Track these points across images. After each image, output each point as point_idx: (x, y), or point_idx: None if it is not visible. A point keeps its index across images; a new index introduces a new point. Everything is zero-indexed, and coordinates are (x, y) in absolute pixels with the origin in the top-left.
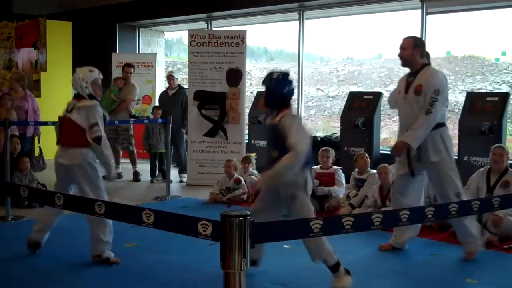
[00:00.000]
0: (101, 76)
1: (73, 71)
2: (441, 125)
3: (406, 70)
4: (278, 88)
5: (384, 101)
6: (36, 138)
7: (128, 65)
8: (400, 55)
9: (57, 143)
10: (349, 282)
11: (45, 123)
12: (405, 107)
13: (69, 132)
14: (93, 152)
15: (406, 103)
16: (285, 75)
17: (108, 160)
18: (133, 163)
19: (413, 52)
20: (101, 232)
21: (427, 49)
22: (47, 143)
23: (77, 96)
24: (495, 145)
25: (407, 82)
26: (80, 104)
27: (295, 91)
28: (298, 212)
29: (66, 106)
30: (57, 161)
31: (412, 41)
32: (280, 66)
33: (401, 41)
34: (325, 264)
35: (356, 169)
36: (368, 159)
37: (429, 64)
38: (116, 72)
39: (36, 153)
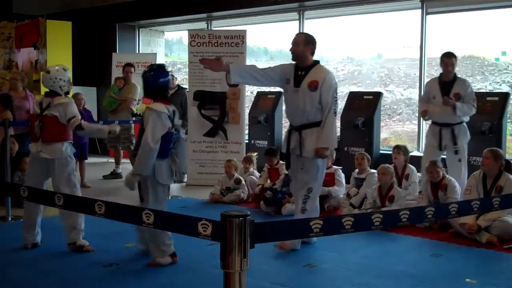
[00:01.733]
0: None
1: (47, 71)
2: (319, 123)
3: (406, 69)
4: (152, 79)
5: (384, 101)
6: None
7: (129, 64)
8: (291, 50)
9: (35, 139)
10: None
11: None
12: (296, 100)
13: (50, 128)
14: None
15: (297, 96)
16: (160, 67)
17: (96, 128)
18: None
19: (304, 48)
20: (75, 220)
21: (427, 48)
22: None
23: (50, 94)
24: (487, 148)
25: (297, 76)
26: (57, 101)
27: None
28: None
29: (39, 104)
30: (36, 155)
31: (304, 37)
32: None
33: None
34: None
35: (357, 169)
36: (366, 159)
37: (318, 61)
38: (116, 72)
39: None
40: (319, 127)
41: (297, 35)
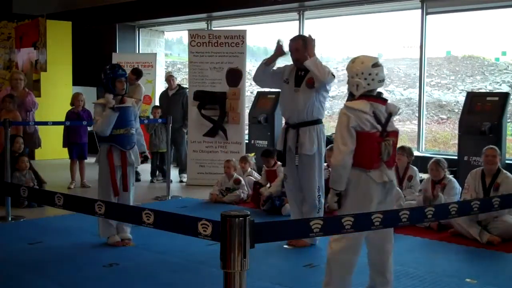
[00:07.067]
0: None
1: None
2: (319, 121)
3: (406, 69)
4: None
5: None
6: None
7: (134, 72)
8: (296, 57)
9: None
10: None
11: (45, 123)
12: (296, 99)
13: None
14: None
15: (297, 95)
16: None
17: None
18: None
19: (305, 51)
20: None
21: (427, 48)
22: (47, 143)
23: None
24: (487, 147)
25: (298, 76)
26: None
27: None
28: None
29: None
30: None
31: (301, 41)
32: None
33: (290, 43)
34: None
35: None
36: None
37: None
38: None
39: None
40: (312, 125)
41: (293, 41)
